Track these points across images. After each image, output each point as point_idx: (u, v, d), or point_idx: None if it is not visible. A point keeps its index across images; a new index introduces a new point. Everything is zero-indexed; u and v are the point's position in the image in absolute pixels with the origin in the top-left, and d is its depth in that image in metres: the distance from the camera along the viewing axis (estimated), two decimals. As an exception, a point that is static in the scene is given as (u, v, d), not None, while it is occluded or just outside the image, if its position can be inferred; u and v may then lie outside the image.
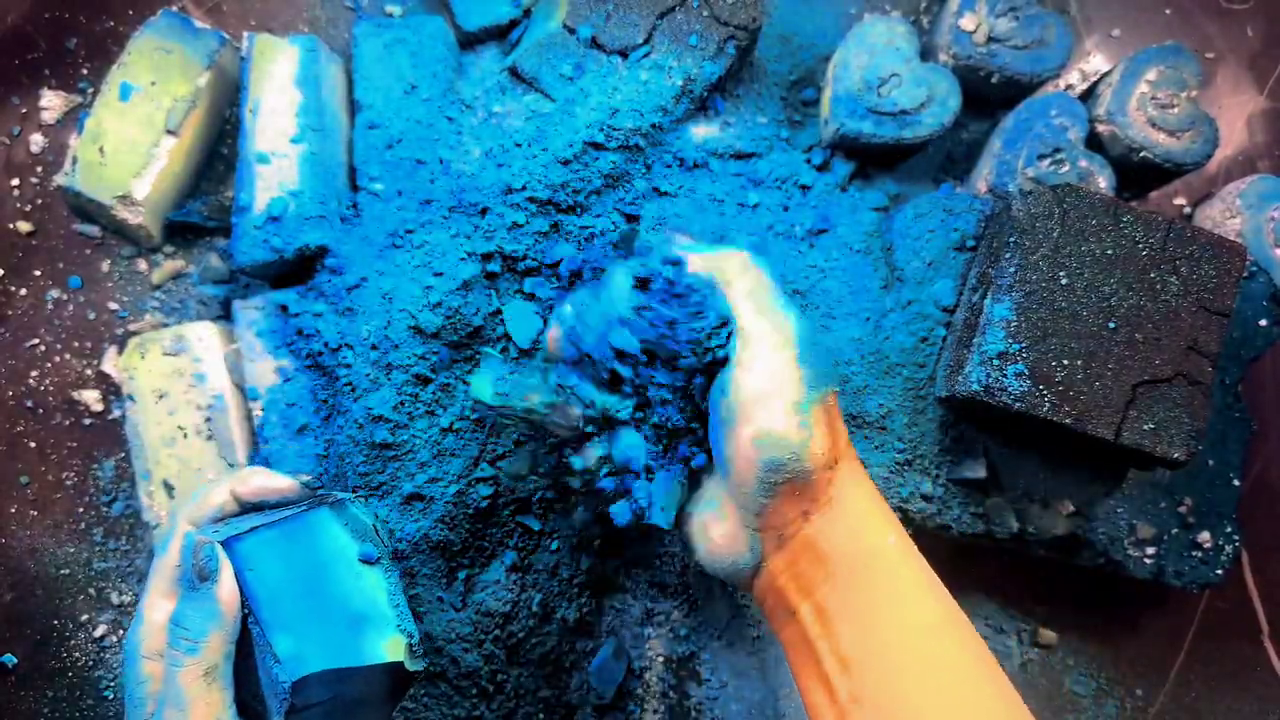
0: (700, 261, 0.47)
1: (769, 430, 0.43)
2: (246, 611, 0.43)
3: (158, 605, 0.43)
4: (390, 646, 0.44)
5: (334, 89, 0.65)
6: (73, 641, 0.60)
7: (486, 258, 0.60)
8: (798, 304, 0.47)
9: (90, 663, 0.60)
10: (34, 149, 0.66)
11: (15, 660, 0.59)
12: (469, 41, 0.67)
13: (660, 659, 0.62)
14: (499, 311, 0.60)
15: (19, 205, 0.65)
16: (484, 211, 0.60)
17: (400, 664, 0.44)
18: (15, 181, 0.66)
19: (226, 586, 0.42)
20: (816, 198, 0.65)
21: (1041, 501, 0.59)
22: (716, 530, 0.47)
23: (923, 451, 0.59)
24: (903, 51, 0.64)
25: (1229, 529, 0.60)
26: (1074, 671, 0.65)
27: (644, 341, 0.46)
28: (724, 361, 0.45)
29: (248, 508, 0.47)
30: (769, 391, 0.43)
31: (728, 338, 0.45)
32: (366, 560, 0.46)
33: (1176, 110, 0.64)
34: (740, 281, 0.46)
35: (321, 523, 0.46)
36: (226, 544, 0.43)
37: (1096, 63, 0.74)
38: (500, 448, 0.59)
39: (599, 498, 0.49)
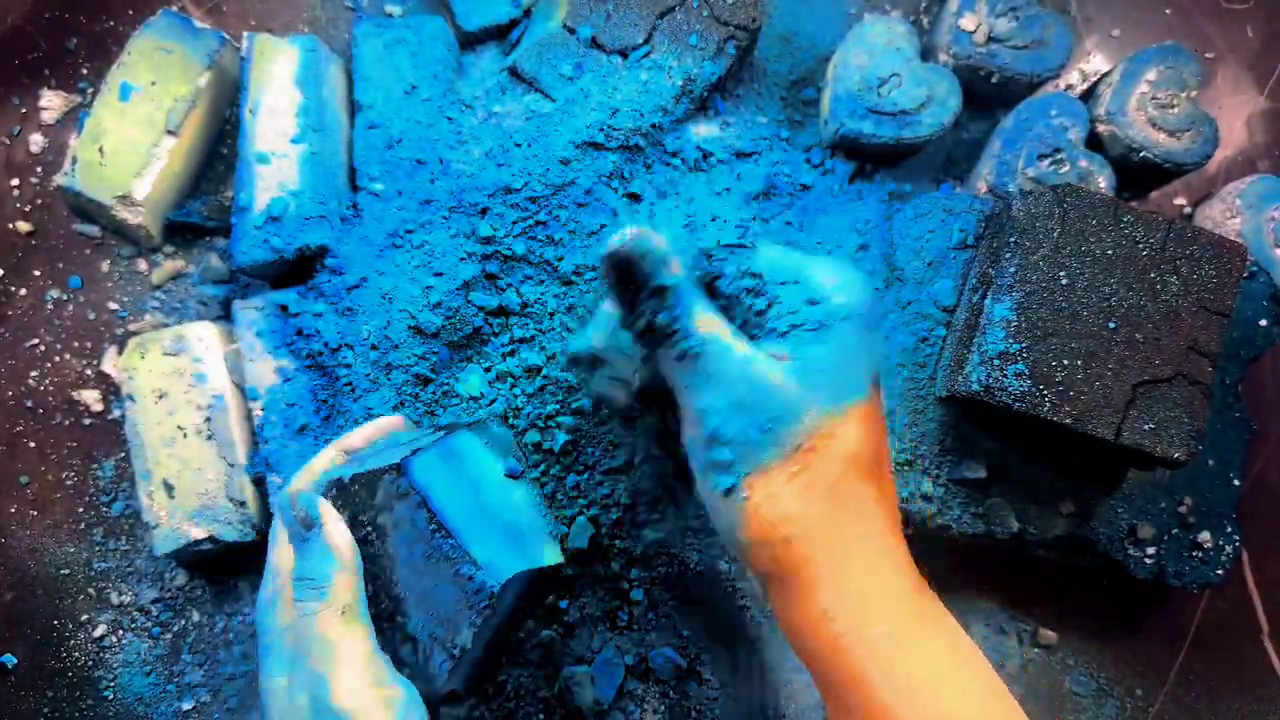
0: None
1: (712, 509, 0.41)
2: (434, 527, 0.44)
3: (286, 557, 0.43)
4: (550, 551, 0.48)
5: (334, 89, 0.65)
6: (73, 642, 0.60)
7: (486, 258, 0.59)
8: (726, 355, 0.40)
9: (90, 663, 0.60)
10: (34, 149, 0.66)
11: (15, 660, 0.59)
12: (469, 41, 0.67)
13: (660, 659, 0.62)
14: (499, 310, 0.60)
15: (19, 205, 0.65)
16: (484, 211, 0.60)
17: (560, 565, 0.48)
18: (15, 181, 0.66)
19: (333, 528, 0.42)
20: (816, 198, 0.65)
21: (1041, 501, 0.59)
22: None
23: (923, 451, 0.59)
24: (903, 51, 0.64)
25: (1229, 529, 0.60)
26: (1074, 671, 0.65)
27: None
28: None
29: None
30: (698, 468, 0.41)
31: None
32: (512, 475, 0.49)
33: (1176, 110, 0.64)
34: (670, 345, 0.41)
35: (467, 444, 0.48)
36: (401, 465, 0.44)
37: (1096, 63, 0.74)
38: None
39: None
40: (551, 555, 0.48)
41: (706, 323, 0.40)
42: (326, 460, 0.47)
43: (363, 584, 0.42)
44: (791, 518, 0.39)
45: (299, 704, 0.40)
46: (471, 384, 0.58)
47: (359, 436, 0.47)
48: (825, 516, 0.39)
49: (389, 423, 0.48)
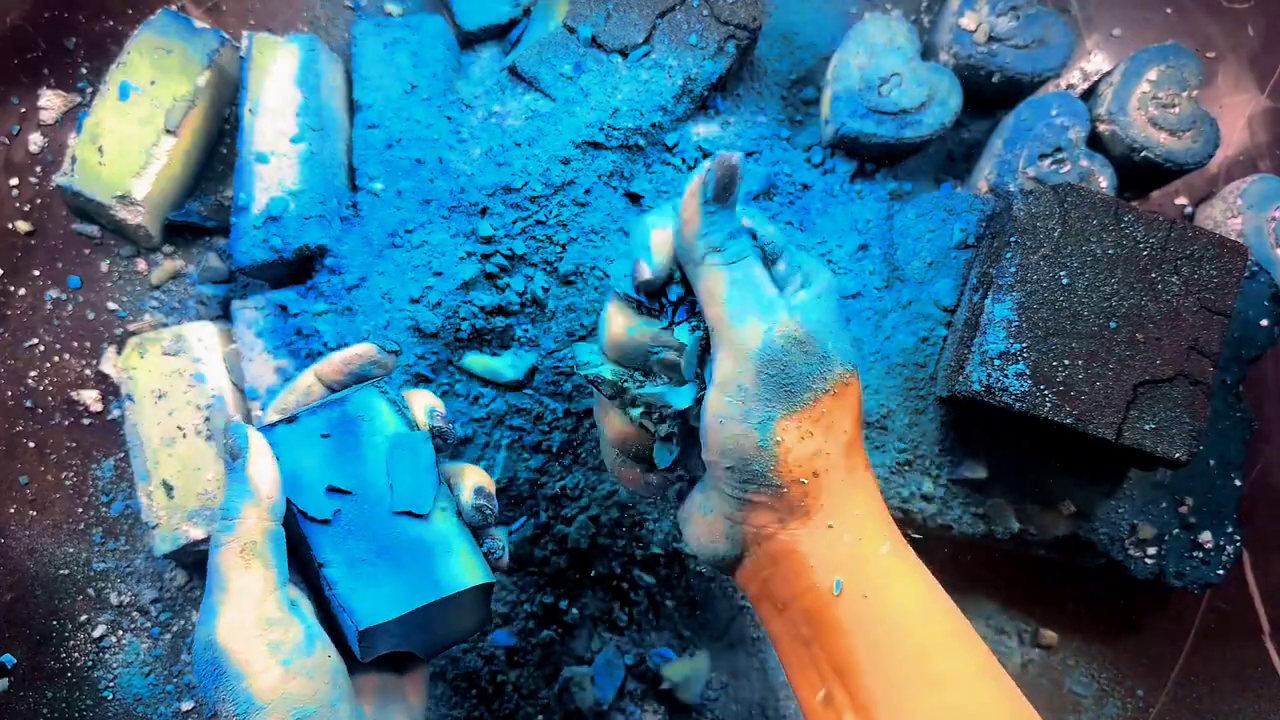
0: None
1: (733, 448, 0.41)
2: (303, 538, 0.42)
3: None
4: (462, 571, 0.43)
5: (334, 89, 0.64)
6: (72, 642, 0.60)
7: (486, 257, 0.59)
8: (775, 303, 0.42)
9: (89, 663, 0.60)
10: (33, 148, 0.66)
11: (15, 660, 0.59)
12: (469, 41, 0.67)
13: (660, 659, 0.62)
14: (499, 310, 0.60)
15: (18, 205, 0.65)
16: (484, 211, 0.60)
17: (485, 585, 0.43)
18: (14, 181, 0.66)
19: (258, 463, 0.41)
20: (817, 197, 0.65)
21: (1042, 501, 0.59)
22: (700, 518, 0.45)
23: (923, 451, 0.59)
24: (903, 51, 0.64)
25: (1230, 529, 0.60)
26: (1075, 672, 0.65)
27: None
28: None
29: (336, 389, 0.46)
30: (730, 408, 0.41)
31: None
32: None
33: (1177, 110, 0.64)
34: (718, 286, 0.43)
35: (367, 406, 0.45)
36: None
37: (1097, 62, 0.73)
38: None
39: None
40: (464, 576, 0.42)
41: (753, 268, 0.43)
42: (305, 384, 0.46)
43: (279, 527, 0.41)
44: (818, 453, 0.42)
45: (196, 636, 0.39)
46: (503, 364, 0.58)
47: (334, 362, 0.46)
48: (840, 453, 0.43)
49: (364, 350, 0.46)
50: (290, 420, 0.44)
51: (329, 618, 0.42)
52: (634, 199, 0.63)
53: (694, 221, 0.42)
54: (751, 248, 0.43)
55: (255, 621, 0.39)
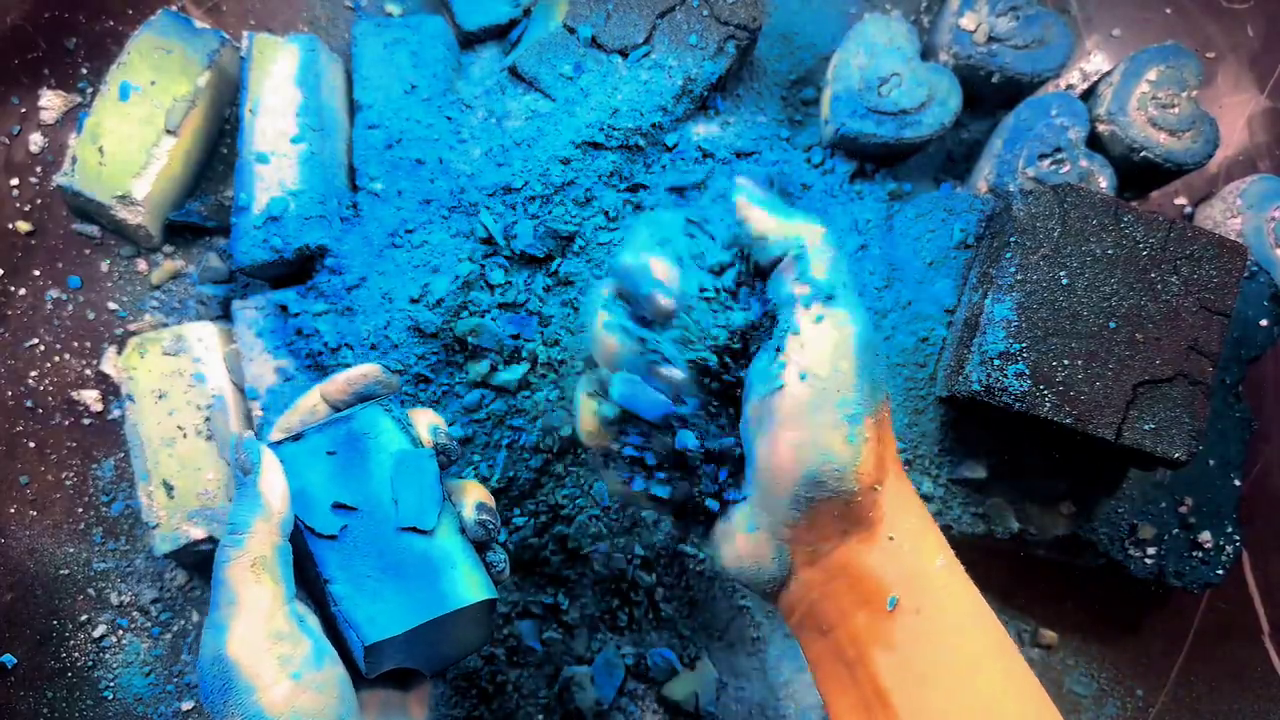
0: (773, 224, 0.42)
1: (814, 442, 0.38)
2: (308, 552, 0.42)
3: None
4: (467, 586, 0.43)
5: (334, 89, 0.64)
6: (72, 642, 0.60)
7: (487, 257, 0.59)
8: (860, 300, 0.41)
9: (90, 663, 0.60)
10: (33, 149, 0.66)
11: (15, 660, 0.59)
12: (469, 41, 0.67)
13: (660, 659, 0.62)
14: (499, 310, 0.60)
15: (18, 205, 0.65)
16: (484, 210, 0.60)
17: (488, 601, 0.43)
18: (15, 181, 0.66)
19: (270, 479, 0.41)
20: (817, 198, 0.65)
21: (1042, 501, 0.59)
22: (742, 538, 0.42)
23: (923, 451, 0.59)
24: (903, 51, 0.64)
25: (1230, 529, 0.60)
26: (1074, 672, 0.65)
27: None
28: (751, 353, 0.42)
29: (341, 408, 0.46)
30: (820, 399, 0.38)
31: (772, 326, 0.41)
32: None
33: (1177, 110, 0.64)
34: (817, 261, 0.41)
35: (373, 424, 0.45)
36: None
37: (1097, 62, 0.74)
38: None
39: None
40: (468, 592, 0.42)
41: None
42: (309, 405, 0.45)
43: (288, 543, 0.41)
44: (887, 459, 0.41)
45: (203, 651, 0.39)
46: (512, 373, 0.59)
47: (338, 382, 0.46)
48: (896, 461, 0.42)
49: (369, 369, 0.46)
50: (297, 438, 0.44)
51: (334, 634, 0.42)
52: (634, 190, 0.62)
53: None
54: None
55: (265, 635, 0.38)
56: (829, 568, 0.41)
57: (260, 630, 0.38)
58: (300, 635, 0.39)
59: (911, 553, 0.41)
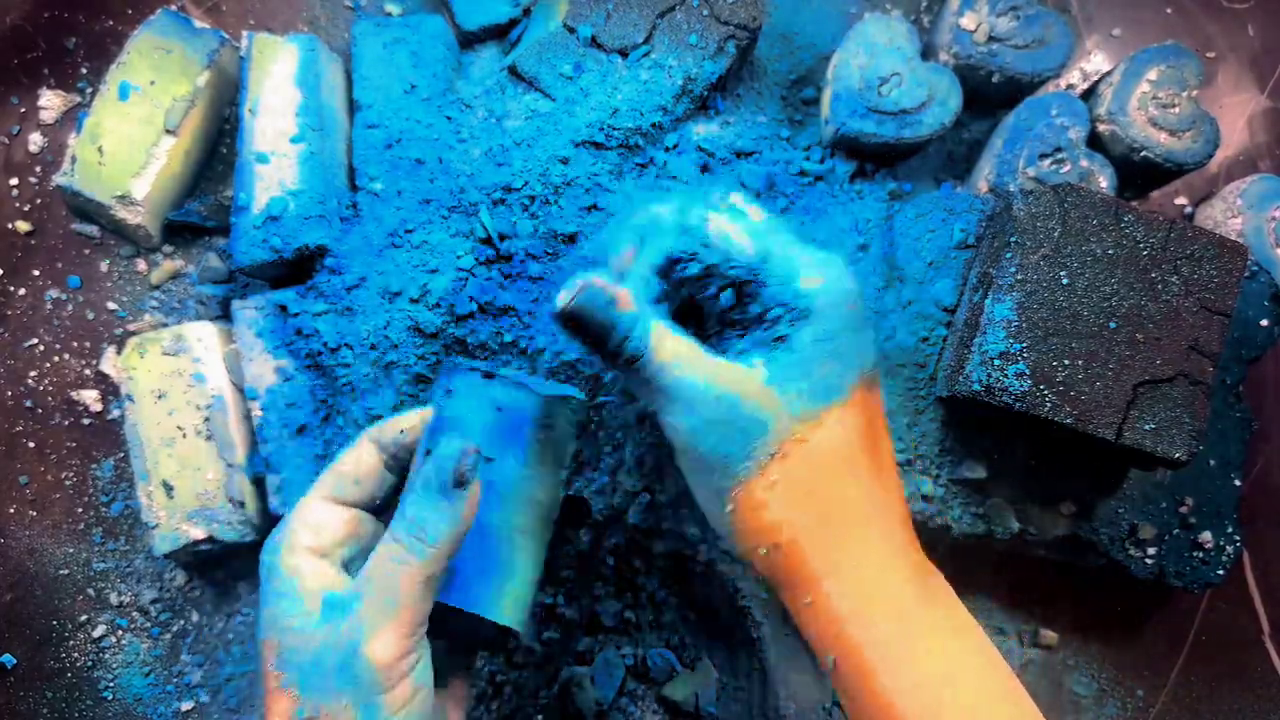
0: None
1: (702, 504, 0.42)
2: None
3: (319, 508, 0.43)
4: (502, 610, 0.44)
5: (334, 88, 0.64)
6: (72, 642, 0.60)
7: (487, 260, 0.59)
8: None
9: (89, 663, 0.60)
10: (33, 148, 0.66)
11: (14, 660, 0.59)
12: (469, 41, 0.67)
13: (660, 659, 0.62)
14: (499, 310, 0.60)
15: (18, 205, 0.65)
16: (484, 210, 0.60)
17: (511, 634, 0.45)
18: (14, 181, 0.66)
19: (474, 499, 0.41)
20: (817, 198, 0.65)
21: (1042, 502, 0.58)
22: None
23: (923, 451, 0.59)
24: (903, 51, 0.64)
25: (1230, 529, 0.60)
26: (1075, 672, 0.65)
27: None
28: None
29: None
30: (698, 467, 0.41)
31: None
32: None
33: (1177, 110, 0.64)
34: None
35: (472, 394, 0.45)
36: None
37: (1097, 62, 0.73)
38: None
39: None
40: (503, 612, 0.44)
41: (667, 346, 0.40)
42: (408, 423, 0.46)
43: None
44: (777, 524, 0.39)
45: (334, 638, 0.39)
46: None
47: (395, 426, 0.46)
48: (812, 518, 0.40)
49: (424, 415, 0.46)
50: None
51: None
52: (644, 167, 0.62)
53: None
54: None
55: (407, 637, 0.39)
56: (795, 617, 0.42)
57: (406, 638, 0.39)
58: (425, 644, 0.41)
59: (851, 616, 0.39)
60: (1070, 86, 0.73)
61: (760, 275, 0.41)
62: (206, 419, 0.59)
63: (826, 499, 0.40)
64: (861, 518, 0.40)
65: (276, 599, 0.41)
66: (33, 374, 0.63)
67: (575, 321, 0.40)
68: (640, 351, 0.40)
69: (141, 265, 0.65)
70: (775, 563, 0.40)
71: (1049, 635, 0.65)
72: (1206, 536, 0.59)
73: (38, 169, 0.66)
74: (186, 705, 0.60)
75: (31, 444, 0.62)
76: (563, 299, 0.40)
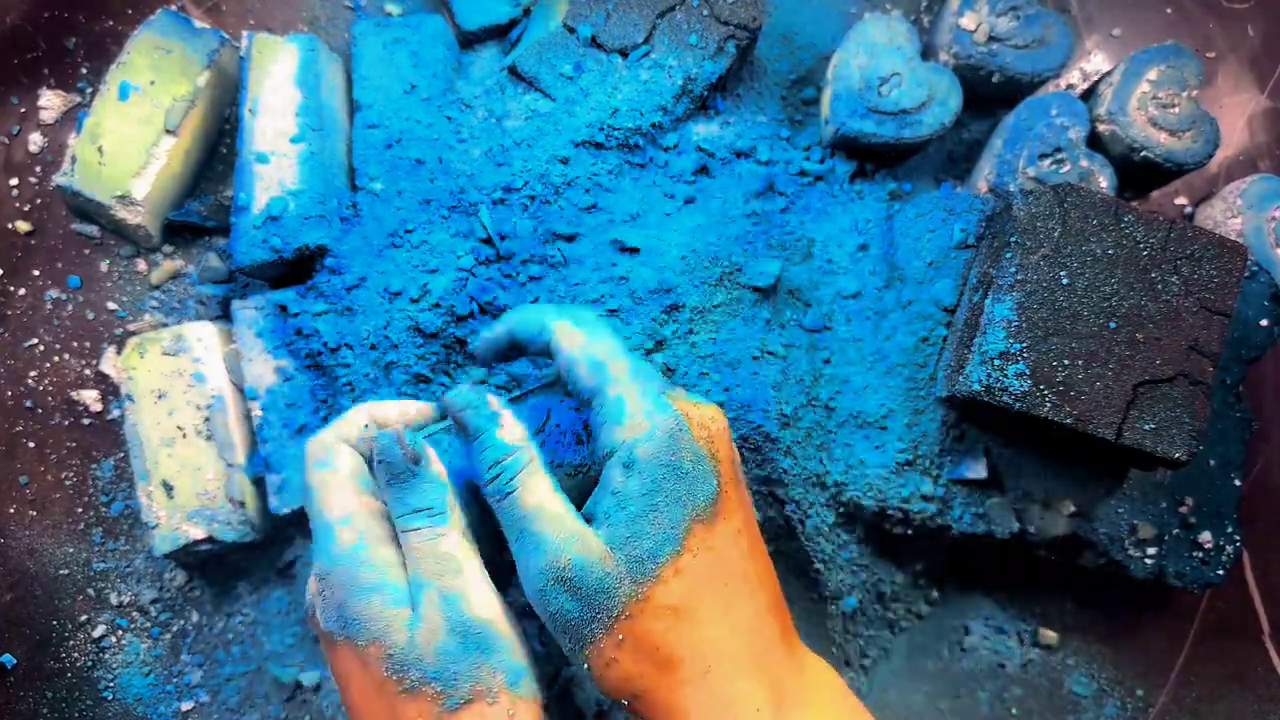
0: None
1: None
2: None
3: (351, 504, 0.43)
4: None
5: (334, 88, 0.64)
6: (71, 642, 0.60)
7: (487, 260, 0.59)
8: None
9: (89, 663, 0.60)
10: (33, 148, 0.66)
11: (14, 660, 0.59)
12: (469, 41, 0.67)
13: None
14: (499, 310, 0.60)
15: (18, 205, 0.65)
16: (484, 210, 0.60)
17: None
18: (14, 181, 0.66)
19: (432, 453, 0.43)
20: (817, 197, 0.65)
21: (1042, 502, 0.58)
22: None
23: (923, 451, 0.59)
24: (903, 51, 0.64)
25: (1230, 529, 0.60)
26: (1074, 672, 0.65)
27: None
28: None
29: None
30: (558, 629, 0.42)
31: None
32: None
33: (1177, 110, 0.64)
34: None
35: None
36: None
37: (1097, 62, 0.73)
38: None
39: None
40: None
41: (534, 494, 0.42)
42: (360, 421, 0.46)
43: None
44: (629, 678, 0.41)
45: (432, 623, 0.40)
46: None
47: (393, 410, 0.47)
48: (663, 669, 0.41)
49: (423, 408, 0.47)
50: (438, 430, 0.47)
51: None
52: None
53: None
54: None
55: (490, 589, 0.42)
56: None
57: (490, 590, 0.42)
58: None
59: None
60: (1070, 86, 0.73)
61: (592, 414, 0.43)
62: (206, 419, 0.59)
63: (675, 648, 0.40)
64: (716, 657, 0.41)
65: (366, 595, 0.41)
66: (33, 374, 0.63)
67: (458, 420, 0.43)
68: (510, 489, 0.42)
69: (141, 265, 0.65)
70: (639, 709, 0.41)
71: (1049, 635, 0.65)
72: (1206, 536, 0.59)
73: (38, 169, 0.66)
74: (186, 705, 0.60)
75: (31, 444, 0.62)
76: (450, 395, 0.44)
